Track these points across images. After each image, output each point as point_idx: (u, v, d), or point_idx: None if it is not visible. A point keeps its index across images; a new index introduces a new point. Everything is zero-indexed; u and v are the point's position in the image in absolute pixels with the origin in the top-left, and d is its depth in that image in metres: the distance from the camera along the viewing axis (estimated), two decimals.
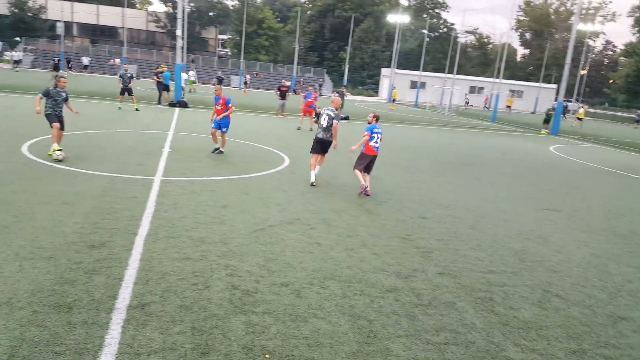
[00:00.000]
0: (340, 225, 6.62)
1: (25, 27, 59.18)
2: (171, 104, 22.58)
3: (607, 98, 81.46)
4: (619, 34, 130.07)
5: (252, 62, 63.78)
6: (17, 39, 54.93)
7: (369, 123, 8.81)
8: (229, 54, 74.53)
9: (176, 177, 8.52)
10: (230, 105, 10.98)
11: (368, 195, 8.46)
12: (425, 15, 73.84)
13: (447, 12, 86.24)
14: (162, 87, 22.58)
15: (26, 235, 5.20)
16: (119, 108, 18.82)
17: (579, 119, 35.84)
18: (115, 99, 22.52)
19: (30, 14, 61.22)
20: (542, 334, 4.16)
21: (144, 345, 3.41)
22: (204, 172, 9.17)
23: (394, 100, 42.66)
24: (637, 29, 65.79)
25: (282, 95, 23.03)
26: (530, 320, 4.39)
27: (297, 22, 61.06)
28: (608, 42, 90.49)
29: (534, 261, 6.01)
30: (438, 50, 76.50)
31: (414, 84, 56.15)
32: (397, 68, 56.45)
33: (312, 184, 8.87)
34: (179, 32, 24.14)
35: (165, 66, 24.49)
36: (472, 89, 62.49)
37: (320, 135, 9.09)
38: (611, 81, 77.92)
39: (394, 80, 53.39)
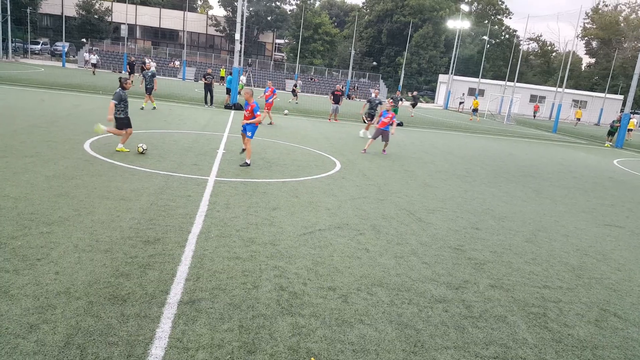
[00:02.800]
0: (390, 232, 6.63)
1: (91, 29, 62.39)
2: (227, 107, 23.36)
3: None
4: None
5: (307, 66, 64.60)
6: (83, 40, 58.44)
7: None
8: (285, 58, 75.91)
9: (229, 178, 8.80)
10: (258, 113, 10.17)
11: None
12: (486, 22, 71.90)
13: (510, 18, 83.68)
14: (210, 88, 23.31)
15: (85, 229, 5.44)
16: (142, 108, 18.27)
17: (629, 130, 33.65)
18: (169, 100, 23.65)
19: (96, 17, 64.41)
20: (598, 353, 4.01)
21: (193, 341, 3.51)
22: (257, 174, 9.42)
23: (474, 110, 38.75)
24: None
25: (336, 100, 23.24)
26: (585, 339, 4.24)
27: (354, 27, 61.26)
28: None
29: (591, 278, 5.78)
30: (498, 57, 74.28)
31: (472, 91, 54.73)
32: (455, 74, 55.29)
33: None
34: (237, 35, 24.92)
35: (224, 70, 25.38)
36: (533, 98, 60.08)
37: None
38: None
39: (450, 87, 52.30)
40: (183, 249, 5.21)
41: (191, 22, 69.79)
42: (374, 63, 69.26)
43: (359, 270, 5.18)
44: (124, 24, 54.59)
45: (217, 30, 75.18)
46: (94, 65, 41.66)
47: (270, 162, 10.87)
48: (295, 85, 37.45)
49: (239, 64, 27.80)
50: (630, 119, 29.13)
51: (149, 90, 18.59)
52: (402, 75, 57.91)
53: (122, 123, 9.98)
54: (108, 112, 9.74)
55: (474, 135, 24.57)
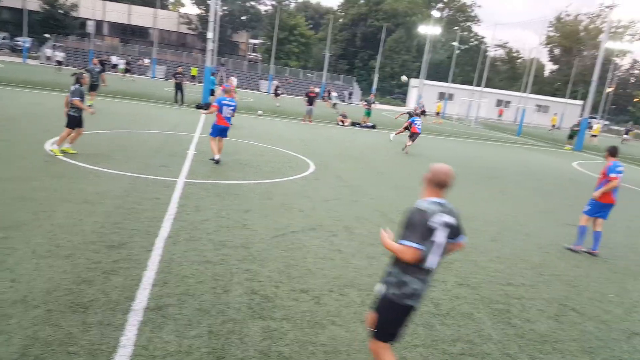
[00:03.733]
0: (363, 233, 6.76)
1: (56, 24, 59.69)
2: (198, 107, 23.12)
3: (632, 116, 79.41)
4: None
5: (282, 67, 64.49)
6: (47, 35, 56.30)
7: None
8: (260, 58, 75.53)
9: (200, 180, 8.69)
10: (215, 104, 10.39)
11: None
12: (456, 28, 73.52)
13: (479, 25, 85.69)
14: (180, 88, 23.02)
15: (44, 233, 5.22)
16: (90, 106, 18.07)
17: (594, 135, 35.07)
18: (138, 99, 23.23)
19: (61, 11, 61.79)
20: (557, 347, 4.25)
21: (160, 348, 3.44)
22: (229, 176, 9.38)
23: (438, 113, 40.69)
24: None
25: (310, 102, 23.34)
26: (546, 333, 4.48)
27: (328, 30, 61.61)
28: (635, 61, 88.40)
29: (552, 275, 6.07)
30: (467, 63, 75.98)
31: (442, 95, 55.86)
32: (426, 79, 56.31)
33: None
34: (210, 34, 24.69)
35: (196, 69, 25.16)
36: (500, 103, 61.79)
37: None
38: (636, 100, 75.93)
39: (422, 91, 53.23)
40: (150, 253, 5.09)
41: (162, 20, 68.44)
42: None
43: (332, 272, 5.26)
44: (91, 19, 53.10)
45: (189, 29, 74.13)
46: (60, 63, 40.37)
47: (243, 163, 10.86)
48: (278, 87, 37.29)
49: (212, 63, 27.55)
50: (587, 124, 30.34)
51: (94, 87, 17.48)
52: (376, 79, 58.55)
53: (75, 121, 9.34)
54: (80, 107, 9.26)
55: (444, 138, 25.13)
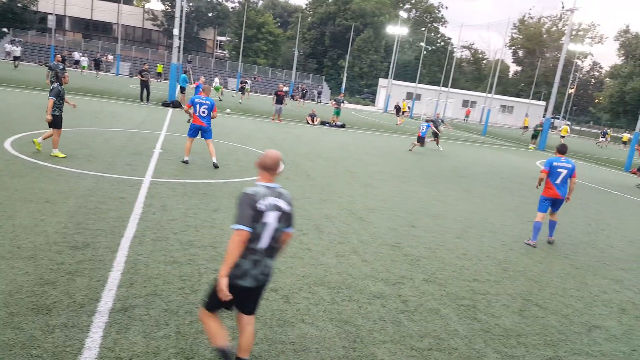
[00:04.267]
0: (332, 232, 6.77)
1: (14, 18, 57.26)
2: (164, 104, 22.65)
3: (592, 117, 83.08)
4: (606, 56, 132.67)
5: (250, 65, 63.98)
6: (5, 30, 53.95)
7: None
8: (227, 56, 74.66)
9: (167, 179, 8.54)
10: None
11: None
12: (423, 29, 74.74)
13: (445, 26, 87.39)
14: (146, 85, 22.55)
15: (5, 234, 5.08)
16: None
17: (562, 136, 36.39)
18: (101, 96, 22.58)
19: (19, 5, 59.25)
20: (521, 341, 4.36)
21: (126, 349, 3.38)
22: (197, 175, 9.24)
23: (403, 112, 41.18)
24: (622, 52, 67.29)
25: (279, 100, 23.24)
26: (510, 328, 4.59)
27: (297, 28, 61.52)
28: (595, 63, 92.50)
29: (516, 271, 6.24)
30: (434, 64, 77.41)
31: (409, 95, 56.71)
32: (394, 79, 57.02)
33: None
34: (176, 31, 24.24)
35: (161, 66, 24.65)
36: (466, 103, 63.23)
37: None
38: (596, 100, 79.44)
39: (390, 91, 53.86)
40: (115, 254, 4.99)
41: (126, 15, 66.71)
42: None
43: (301, 270, 5.25)
44: (52, 14, 51.21)
45: (154, 25, 72.52)
46: (17, 58, 38.72)
47: (211, 161, 10.70)
48: (245, 83, 36.89)
49: (178, 60, 27.03)
50: (550, 124, 31.42)
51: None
52: (345, 78, 58.90)
53: (58, 121, 9.24)
54: (47, 110, 9.04)
55: (412, 138, 25.48)
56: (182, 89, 24.05)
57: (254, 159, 11.92)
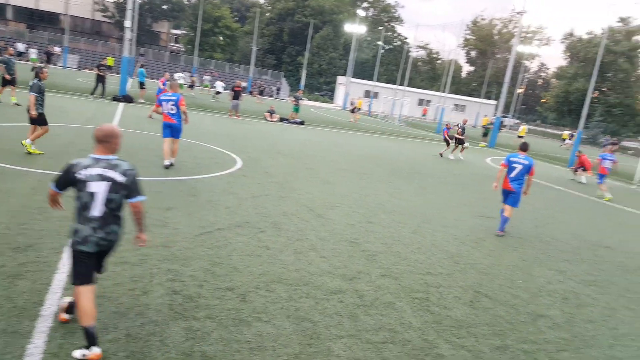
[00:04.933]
0: (291, 229, 6.79)
1: None
2: (115, 99, 21.87)
3: (540, 116, 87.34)
4: (552, 58, 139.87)
5: (206, 59, 62.74)
6: None
7: None
8: (183, 49, 72.85)
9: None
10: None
11: None
12: (380, 28, 75.71)
13: (402, 26, 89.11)
14: (103, 80, 21.79)
15: None
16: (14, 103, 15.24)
17: (520, 137, 37.85)
18: (50, 90, 21.53)
19: None
20: (472, 331, 4.54)
21: (72, 355, 3.26)
22: (149, 172, 8.98)
23: (357, 109, 42.11)
24: (567, 54, 70.93)
25: (236, 96, 22.94)
26: (461, 319, 4.77)
27: (255, 23, 60.88)
28: (542, 64, 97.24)
29: (467, 264, 6.48)
30: (391, 62, 78.64)
31: (367, 94, 57.41)
32: (353, 77, 57.56)
33: None
34: (127, 23, 23.40)
35: (112, 59, 23.80)
36: (421, 102, 64.71)
37: None
38: (543, 100, 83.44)
39: (349, 89, 54.32)
40: (61, 255, 4.79)
41: (74, 6, 63.55)
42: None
43: (259, 268, 5.24)
44: None
45: (105, 16, 69.69)
46: None
47: (164, 158, 10.43)
48: (193, 80, 36.14)
49: (130, 53, 26.13)
50: (500, 122, 32.73)
51: (14, 81, 15.42)
52: (304, 75, 58.88)
53: (43, 118, 9.00)
54: (30, 107, 8.67)
55: (370, 135, 25.86)
56: (142, 85, 23.27)
57: (210, 156, 11.74)
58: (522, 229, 8.94)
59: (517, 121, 68.53)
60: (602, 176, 15.03)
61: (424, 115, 58.60)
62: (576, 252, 7.93)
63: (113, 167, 3.41)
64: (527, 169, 8.00)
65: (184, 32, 74.52)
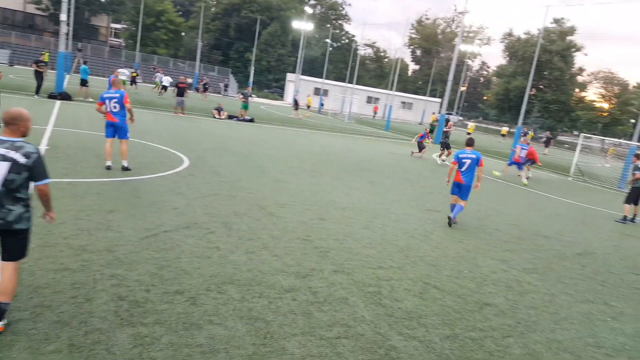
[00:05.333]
0: (242, 229, 6.67)
1: None
2: (51, 96, 20.65)
3: (482, 112, 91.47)
4: (493, 57, 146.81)
5: (149, 55, 60.58)
6: None
7: None
8: (123, 44, 69.91)
9: (55, 179, 7.76)
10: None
11: None
12: (328, 26, 76.16)
13: (349, 24, 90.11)
14: (41, 77, 20.66)
15: None
16: None
17: (469, 133, 39.49)
18: None
19: None
20: (422, 322, 4.65)
21: None
22: (89, 173, 8.57)
23: (308, 107, 42.99)
24: (506, 53, 74.47)
25: (180, 93, 22.30)
26: (412, 310, 4.88)
27: (200, 18, 59.45)
28: (483, 63, 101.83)
29: (416, 256, 6.64)
30: (340, 60, 79.33)
31: (317, 91, 57.61)
32: (302, 74, 57.55)
33: None
34: (63, 16, 22.14)
35: (48, 54, 22.46)
36: (370, 99, 65.77)
37: None
38: (485, 98, 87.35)
39: (298, 86, 54.26)
40: None
41: None
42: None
43: (209, 270, 5.11)
44: None
45: (38, 9, 65.54)
46: None
47: (105, 159, 9.96)
48: (136, 75, 34.72)
49: (67, 48, 24.75)
50: (445, 119, 33.87)
51: None
52: (252, 72, 58.22)
53: None
54: None
55: (320, 133, 25.97)
56: (84, 82, 22.09)
57: (154, 155, 11.34)
58: (466, 221, 9.28)
59: (461, 118, 71.21)
60: (517, 164, 17.01)
61: (375, 113, 59.54)
62: (517, 242, 8.33)
63: (16, 148, 3.49)
64: (476, 162, 8.65)
65: (125, 26, 71.42)
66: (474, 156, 8.64)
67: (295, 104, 34.45)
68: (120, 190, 7.79)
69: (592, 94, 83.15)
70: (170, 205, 7.32)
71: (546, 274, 6.74)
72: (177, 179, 9.14)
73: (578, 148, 24.10)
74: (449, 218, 8.67)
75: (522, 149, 17.00)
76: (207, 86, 40.60)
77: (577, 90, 72.62)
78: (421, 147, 20.20)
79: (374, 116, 57.82)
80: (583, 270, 7.21)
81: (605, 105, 76.72)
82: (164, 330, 3.82)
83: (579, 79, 73.14)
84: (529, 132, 41.83)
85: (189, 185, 8.81)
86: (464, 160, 8.67)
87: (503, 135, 49.61)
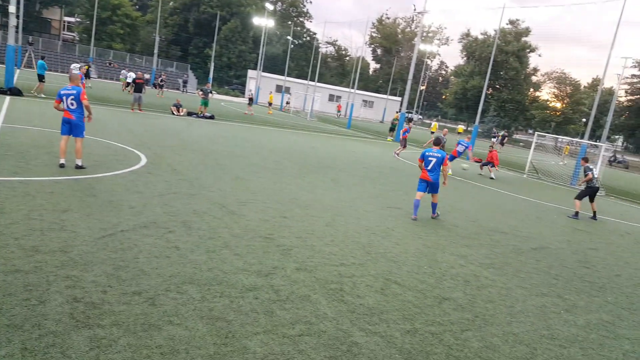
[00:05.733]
0: (202, 228, 6.55)
1: None
2: (1, 91, 19.61)
3: (441, 111, 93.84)
4: (451, 57, 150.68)
5: (104, 49, 58.50)
6: None
7: None
8: (77, 38, 67.14)
9: (4, 177, 7.49)
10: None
11: None
12: (290, 23, 75.87)
13: (310, 22, 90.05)
14: (40, 76, 19.81)
15: None
16: None
17: (432, 132, 40.06)
18: None
19: None
20: (383, 317, 4.71)
21: None
22: (41, 172, 8.20)
23: (270, 104, 42.81)
24: (464, 53, 76.63)
25: (138, 89, 21.65)
26: (373, 306, 4.93)
27: (157, 13, 57.89)
28: (442, 63, 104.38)
29: (377, 253, 6.72)
30: (301, 58, 79.28)
31: (279, 88, 57.31)
32: (264, 71, 57.09)
33: None
34: (12, 8, 21.03)
35: None
36: (332, 97, 66.06)
37: None
38: (443, 97, 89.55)
39: (260, 83, 53.80)
40: None
41: None
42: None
43: (168, 270, 4.99)
44: None
45: None
46: None
47: (59, 157, 9.55)
48: (89, 68, 33.43)
49: (16, 41, 23.51)
50: (405, 117, 34.47)
51: None
52: (212, 68, 57.25)
53: None
54: None
55: (282, 130, 25.87)
56: (41, 77, 21.09)
57: (110, 152, 10.96)
58: (426, 219, 9.48)
59: (420, 117, 72.65)
60: (452, 157, 17.95)
61: (339, 111, 59.68)
62: (475, 238, 8.58)
63: None
64: (441, 161, 9.13)
65: (79, 20, 68.59)
66: (439, 155, 9.12)
67: (250, 100, 33.95)
68: (75, 189, 7.49)
69: (546, 93, 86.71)
70: (127, 204, 7.10)
71: (503, 269, 6.97)
72: (134, 177, 8.87)
73: (533, 146, 25.07)
74: (414, 219, 9.17)
75: (460, 144, 18.39)
76: (162, 82, 39.37)
77: (531, 89, 75.69)
78: (404, 144, 21.26)
79: (338, 115, 57.98)
80: (538, 265, 7.50)
81: (558, 105, 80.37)
82: (122, 332, 3.71)
83: (534, 79, 76.31)
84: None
85: (146, 183, 8.56)
86: (430, 159, 9.13)
87: (459, 133, 50.90)
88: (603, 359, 4.61)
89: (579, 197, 12.67)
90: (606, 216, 13.85)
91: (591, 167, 12.72)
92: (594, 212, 12.78)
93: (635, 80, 58.90)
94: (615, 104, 41.98)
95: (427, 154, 9.19)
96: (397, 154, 21.23)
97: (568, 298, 6.18)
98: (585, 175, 12.54)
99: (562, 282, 6.83)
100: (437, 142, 9.47)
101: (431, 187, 9.24)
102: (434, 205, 9.55)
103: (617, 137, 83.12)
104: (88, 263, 4.85)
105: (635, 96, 59.50)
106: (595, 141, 30.30)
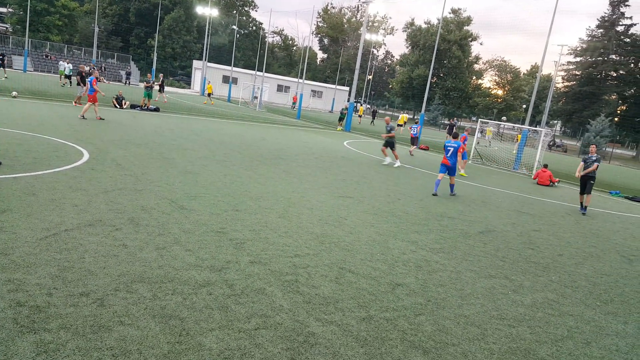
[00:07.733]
0: (151, 224, 6.35)
1: None
2: None
3: (387, 100, 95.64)
4: (397, 46, 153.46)
5: (41, 41, 55.02)
6: None
7: None
8: (10, 30, 62.62)
9: None
10: None
11: None
12: (235, 12, 74.32)
13: (256, 11, 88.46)
14: None
15: None
16: None
17: (400, 125, 40.44)
18: None
19: None
20: (339, 306, 4.78)
21: None
22: None
23: (209, 94, 41.01)
24: (409, 42, 78.20)
25: (83, 81, 20.56)
26: (329, 295, 4.99)
27: (96, 3, 54.99)
28: (388, 52, 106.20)
29: (331, 243, 6.79)
30: (248, 48, 78.04)
31: (226, 79, 56.16)
32: (209, 61, 55.69)
33: None
34: None
35: None
36: (280, 88, 65.58)
37: None
38: (390, 86, 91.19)
39: (206, 74, 52.48)
40: None
41: None
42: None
43: (117, 269, 4.82)
44: None
45: None
46: None
47: None
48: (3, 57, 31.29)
49: None
50: (354, 107, 34.88)
51: None
52: (155, 58, 55.18)
53: None
54: None
55: (230, 122, 25.42)
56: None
57: (50, 149, 10.36)
58: (377, 206, 9.67)
59: (369, 106, 73.56)
60: (412, 139, 22.50)
61: (294, 103, 59.02)
62: (425, 224, 8.86)
63: None
64: (457, 149, 11.88)
65: (11, 10, 63.80)
66: (455, 145, 11.89)
67: (161, 86, 31.10)
68: (13, 188, 7.03)
69: (488, 81, 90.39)
70: (70, 202, 6.75)
71: (452, 253, 7.24)
72: (76, 174, 8.43)
73: (477, 133, 26.10)
74: (435, 194, 11.90)
75: (413, 128, 22.50)
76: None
77: (474, 77, 78.49)
78: (414, 142, 22.92)
79: (293, 106, 57.24)
80: (485, 248, 7.85)
81: (500, 92, 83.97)
82: (70, 335, 3.57)
83: (476, 67, 79.10)
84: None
85: (90, 180, 8.17)
86: (449, 148, 11.93)
87: (399, 125, 50.98)
88: (550, 336, 4.89)
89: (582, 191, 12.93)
90: (549, 199, 14.70)
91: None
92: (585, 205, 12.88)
93: (571, 67, 62.44)
94: (553, 90, 44.47)
95: (447, 144, 11.95)
96: (411, 153, 21.78)
97: (515, 279, 6.50)
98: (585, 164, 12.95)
99: (508, 263, 7.18)
100: (455, 135, 12.40)
101: (450, 170, 11.97)
102: (451, 186, 12.27)
103: (555, 122, 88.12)
104: (31, 265, 4.61)
105: (572, 82, 63.14)
106: (535, 126, 31.94)
